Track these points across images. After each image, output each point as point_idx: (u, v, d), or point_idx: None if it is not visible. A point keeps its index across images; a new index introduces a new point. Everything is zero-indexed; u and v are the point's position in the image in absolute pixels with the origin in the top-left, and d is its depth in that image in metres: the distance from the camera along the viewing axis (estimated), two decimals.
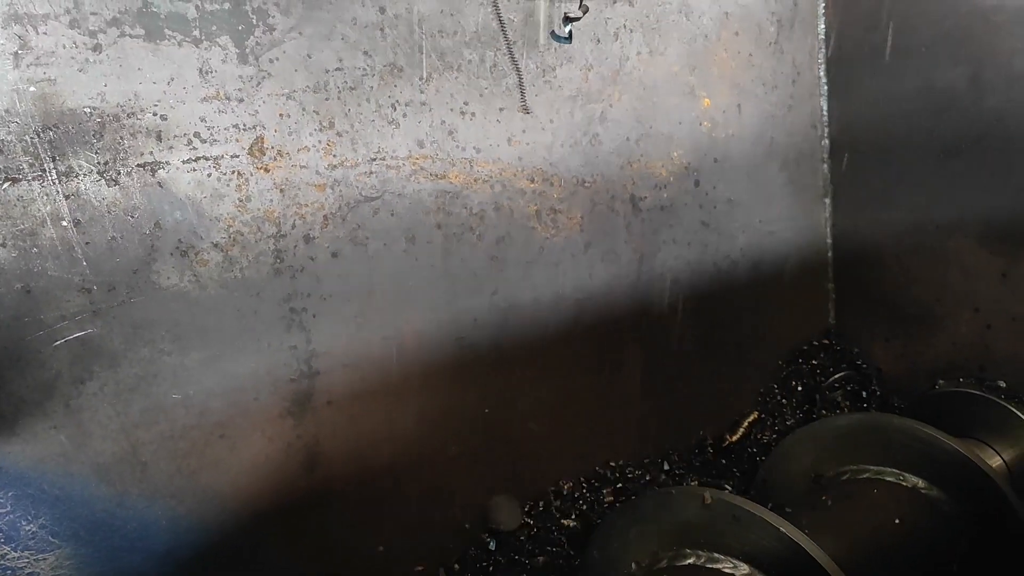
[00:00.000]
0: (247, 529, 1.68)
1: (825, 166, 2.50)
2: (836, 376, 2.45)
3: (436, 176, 1.84)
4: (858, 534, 1.88)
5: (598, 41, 2.02)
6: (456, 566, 1.95)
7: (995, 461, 2.17)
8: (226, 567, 1.66)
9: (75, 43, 1.43)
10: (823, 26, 2.42)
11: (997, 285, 2.18)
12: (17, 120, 1.39)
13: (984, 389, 2.23)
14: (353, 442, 1.80)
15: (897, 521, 1.93)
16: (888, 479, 2.00)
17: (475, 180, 1.89)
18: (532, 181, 1.97)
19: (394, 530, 1.87)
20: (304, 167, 1.68)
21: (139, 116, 1.50)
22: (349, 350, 1.77)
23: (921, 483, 1.99)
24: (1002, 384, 2.21)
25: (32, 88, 1.40)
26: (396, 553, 1.86)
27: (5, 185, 1.39)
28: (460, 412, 1.94)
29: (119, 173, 1.49)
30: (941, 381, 2.34)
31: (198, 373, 1.60)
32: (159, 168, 1.53)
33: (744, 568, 1.70)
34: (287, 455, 1.72)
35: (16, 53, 1.38)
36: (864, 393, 2.45)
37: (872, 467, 2.03)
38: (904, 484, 1.99)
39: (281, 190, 1.66)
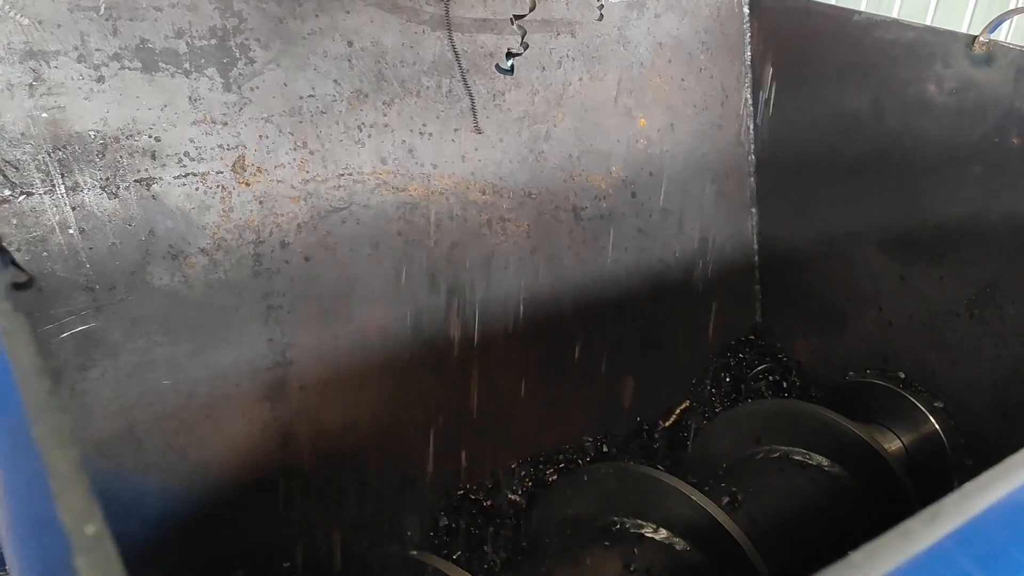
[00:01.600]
0: (229, 498, 1.91)
1: (752, 179, 2.77)
2: (759, 368, 2.73)
3: (398, 189, 2.08)
4: (766, 502, 2.15)
5: (543, 68, 2.27)
6: (409, 534, 2.19)
7: (894, 444, 2.45)
8: (210, 531, 1.89)
9: (82, 75, 1.66)
10: (749, 54, 2.69)
11: (896, 287, 2.46)
12: (31, 142, 1.61)
13: (887, 379, 2.52)
14: (323, 424, 2.04)
15: (800, 494, 2.21)
16: (796, 458, 2.27)
17: (432, 193, 2.13)
18: (484, 193, 2.22)
19: (356, 503, 2.11)
20: (280, 182, 1.91)
21: (136, 138, 1.73)
22: (319, 342, 2.00)
23: (825, 461, 2.26)
24: (902, 375, 2.50)
25: (44, 115, 1.62)
26: (357, 523, 2.10)
27: (21, 198, 1.61)
28: (418, 399, 2.18)
29: (119, 187, 1.72)
30: (851, 372, 2.62)
31: (187, 362, 1.83)
32: (153, 183, 1.76)
33: (663, 532, 1.96)
34: (264, 434, 1.95)
35: (31, 84, 1.60)
36: (785, 383, 2.73)
37: (782, 447, 2.31)
38: (810, 462, 2.26)
39: (260, 202, 1.89)
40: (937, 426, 2.40)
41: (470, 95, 2.15)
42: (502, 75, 2.14)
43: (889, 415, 2.50)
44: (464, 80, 2.13)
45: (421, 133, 2.10)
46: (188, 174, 1.80)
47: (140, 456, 1.79)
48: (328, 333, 2.01)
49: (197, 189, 1.81)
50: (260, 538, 1.96)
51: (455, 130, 2.15)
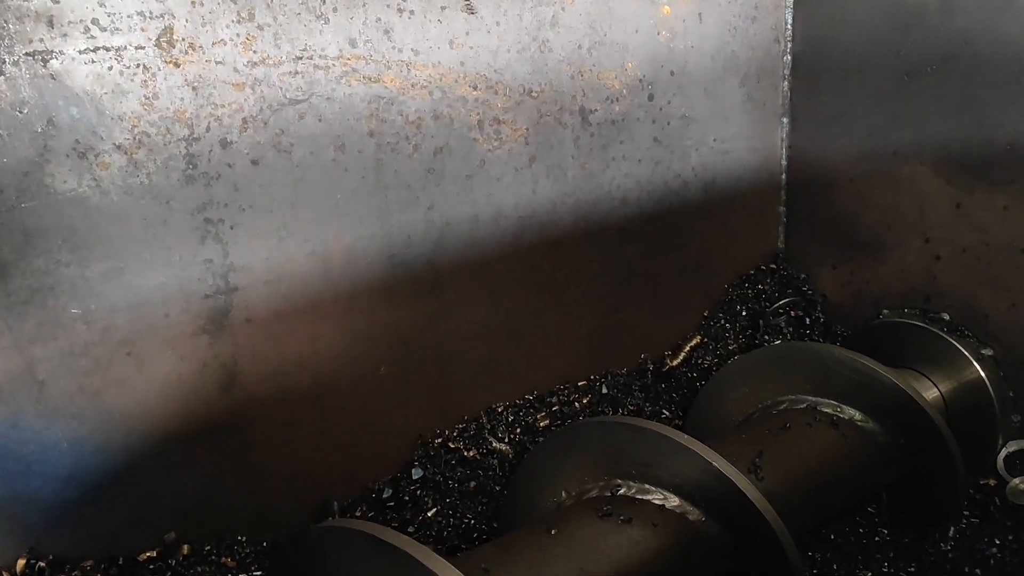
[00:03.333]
0: (158, 452, 1.59)
1: (785, 83, 2.39)
2: (781, 302, 2.41)
3: (369, 79, 1.69)
4: (792, 464, 1.85)
5: None
6: (383, 489, 1.88)
7: (932, 393, 2.16)
8: (136, 491, 1.57)
9: None
10: None
11: (950, 215, 2.13)
12: None
13: (927, 321, 2.21)
14: (274, 362, 1.70)
15: (826, 450, 1.92)
16: (825, 410, 1.97)
17: (412, 85, 1.74)
18: (475, 88, 1.83)
19: (318, 452, 1.79)
20: (220, 63, 1.52)
21: None
22: (271, 265, 1.65)
23: (857, 415, 1.96)
24: (945, 317, 2.19)
25: None
26: (319, 475, 1.79)
27: None
28: (390, 332, 1.84)
29: (4, 62, 1.32)
30: (886, 311, 2.31)
31: (100, 286, 1.47)
32: (51, 58, 1.36)
33: (674, 500, 1.66)
34: (202, 375, 1.61)
35: None
36: (808, 320, 2.41)
37: (809, 398, 2.00)
38: (840, 416, 1.96)
39: (194, 88, 1.50)
40: (984, 376, 2.11)
41: None
42: None
43: (927, 361, 2.20)
44: None
45: (400, 10, 1.69)
46: (98, 48, 1.40)
47: (43, 401, 1.45)
48: (281, 254, 1.65)
49: (111, 69, 1.41)
50: (196, 497, 1.65)
51: (442, 8, 1.75)
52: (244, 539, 1.70)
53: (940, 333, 2.16)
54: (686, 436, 1.64)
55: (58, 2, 1.35)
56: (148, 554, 1.58)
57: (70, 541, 1.53)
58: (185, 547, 1.62)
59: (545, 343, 2.10)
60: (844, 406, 1.98)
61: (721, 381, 2.15)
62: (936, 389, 2.17)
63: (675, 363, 2.28)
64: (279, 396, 1.72)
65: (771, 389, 2.06)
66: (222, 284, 1.60)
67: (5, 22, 1.31)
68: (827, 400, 1.99)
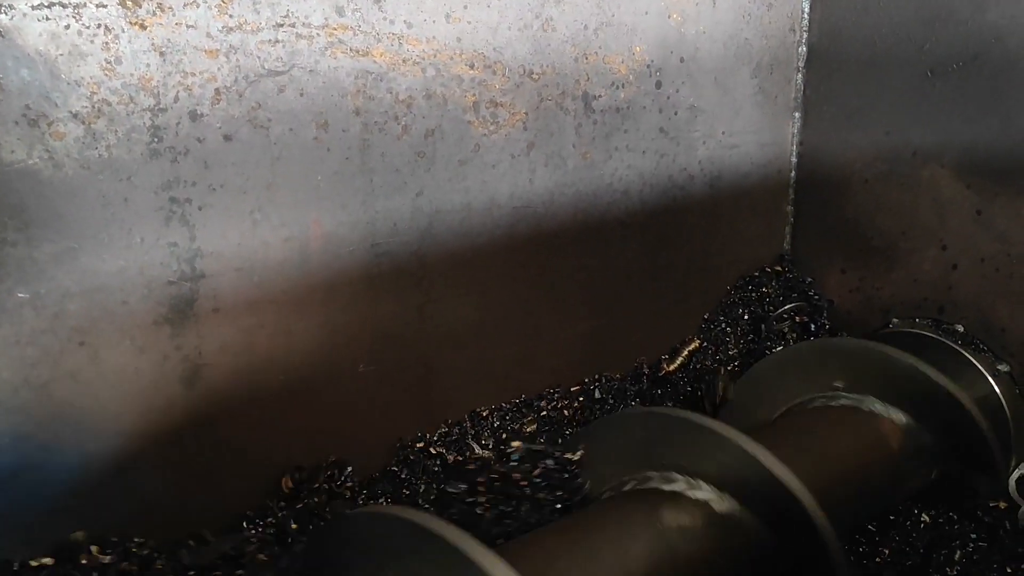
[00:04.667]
0: (112, 450, 1.45)
1: (799, 76, 2.26)
2: (786, 307, 2.28)
3: (357, 52, 1.55)
4: (832, 462, 1.74)
5: None
6: (360, 491, 1.76)
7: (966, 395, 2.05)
8: (86, 496, 1.44)
9: None
10: None
11: (970, 222, 2.00)
12: None
13: (940, 332, 2.09)
14: (244, 355, 1.57)
15: (869, 448, 1.80)
16: (866, 407, 1.85)
17: (404, 61, 1.60)
18: (472, 67, 1.69)
19: (289, 454, 1.66)
20: (192, 27, 1.38)
21: None
22: (242, 251, 1.51)
23: (900, 414, 1.84)
24: (960, 328, 2.07)
25: None
26: (284, 484, 1.66)
27: None
28: (371, 327, 1.71)
29: None
30: (896, 320, 2.19)
31: (51, 268, 1.33)
32: None
33: (716, 494, 1.52)
34: (162, 368, 1.48)
35: None
36: (813, 326, 2.29)
37: (850, 395, 1.87)
38: (883, 413, 1.84)
39: (161, 53, 1.36)
40: (999, 392, 1.99)
41: None
42: None
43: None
44: None
45: None
46: (53, 4, 1.26)
47: None
48: (254, 239, 1.52)
49: (67, 27, 1.27)
50: (153, 500, 1.51)
51: None
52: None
53: (952, 345, 2.05)
54: (730, 428, 1.51)
55: None
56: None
57: (14, 543, 1.39)
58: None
59: (536, 343, 1.98)
60: (888, 404, 1.85)
61: (756, 376, 2.02)
62: None
63: (672, 368, 2.16)
64: (247, 393, 1.58)
65: (808, 385, 1.93)
66: (188, 270, 1.46)
67: None
68: (868, 397, 1.87)
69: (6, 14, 1.22)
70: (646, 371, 2.15)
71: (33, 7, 1.24)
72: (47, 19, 1.26)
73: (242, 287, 1.53)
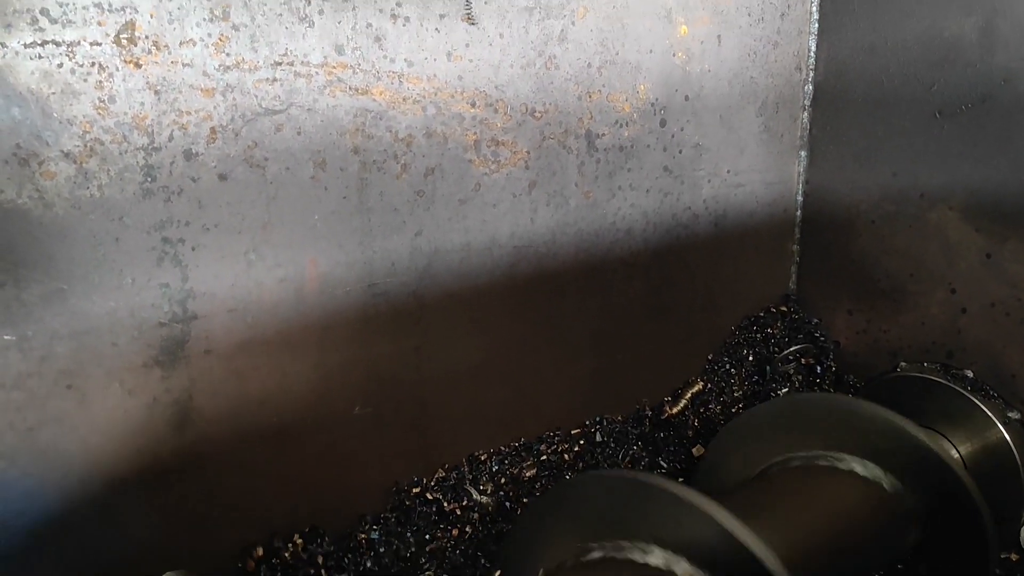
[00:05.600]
0: (99, 496, 1.41)
1: (805, 115, 2.24)
2: (792, 349, 2.24)
3: (356, 90, 1.52)
4: (811, 525, 1.68)
5: None
6: (357, 535, 1.71)
7: (952, 455, 2.00)
8: (72, 541, 1.39)
9: None
10: None
11: (979, 266, 1.97)
12: None
13: (949, 377, 2.05)
14: (236, 398, 1.53)
15: (849, 512, 1.75)
16: (846, 467, 1.80)
17: (404, 99, 1.58)
18: (473, 105, 1.67)
19: (281, 499, 1.62)
20: (188, 65, 1.35)
21: None
22: (236, 292, 1.48)
23: (883, 474, 1.79)
24: (969, 374, 2.03)
25: None
26: (281, 524, 1.61)
27: None
28: (367, 368, 1.67)
29: None
30: (904, 363, 2.15)
31: (39, 310, 1.30)
32: None
33: (685, 566, 1.48)
34: (151, 411, 1.44)
35: None
36: (819, 368, 2.25)
37: (830, 453, 1.83)
38: (864, 474, 1.79)
39: (156, 92, 1.33)
40: (1009, 440, 1.94)
41: None
42: None
43: (947, 420, 2.03)
44: None
45: (394, 16, 1.53)
46: (47, 42, 1.24)
47: None
48: (249, 280, 1.49)
49: (61, 66, 1.25)
50: (143, 549, 1.47)
51: (440, 16, 1.59)
52: None
53: (962, 391, 2.00)
54: (696, 493, 1.46)
55: None
56: None
57: None
58: None
59: (536, 385, 1.94)
60: (869, 463, 1.80)
61: (734, 431, 1.97)
62: (956, 451, 2.01)
63: (675, 410, 2.12)
64: (239, 436, 1.54)
65: (788, 442, 1.88)
66: (179, 311, 1.43)
67: None
68: (850, 456, 1.82)
69: None
70: (648, 413, 2.11)
71: (26, 45, 1.22)
72: (40, 57, 1.23)
73: (235, 328, 1.49)
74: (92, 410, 1.38)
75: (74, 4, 1.24)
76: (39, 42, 1.23)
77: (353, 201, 1.57)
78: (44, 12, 1.22)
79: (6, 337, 1.29)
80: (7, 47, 1.21)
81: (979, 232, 1.96)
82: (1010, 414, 1.96)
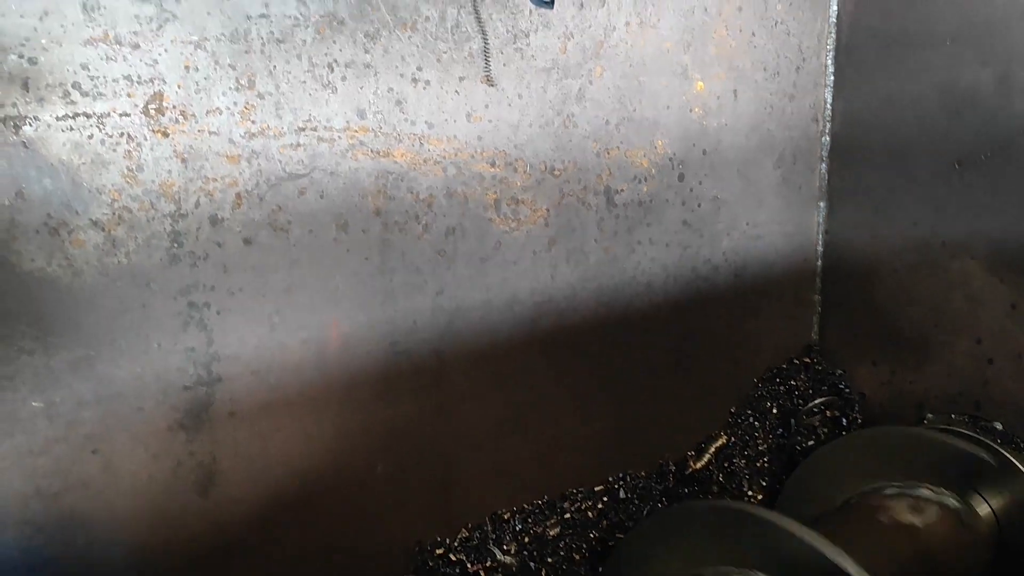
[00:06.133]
0: (124, 561, 1.41)
1: (823, 166, 2.25)
2: (816, 401, 2.22)
3: (378, 153, 1.55)
4: (895, 550, 1.67)
5: (581, 6, 1.73)
6: None
7: (982, 508, 1.96)
8: None
9: None
10: (835, 8, 2.15)
11: (1004, 317, 1.95)
12: None
13: (978, 429, 2.02)
14: (259, 460, 1.53)
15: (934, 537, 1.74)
16: (924, 495, 1.78)
17: (425, 160, 1.60)
18: (493, 165, 1.69)
19: (305, 559, 1.61)
20: (214, 133, 1.38)
21: (1, 57, 1.19)
22: (260, 354, 1.49)
23: (958, 500, 1.78)
24: (998, 426, 2.00)
25: None
26: None
27: None
28: (389, 427, 1.67)
29: None
30: (930, 415, 2.12)
31: (67, 377, 1.32)
32: (24, 124, 1.23)
33: None
34: (176, 475, 1.44)
35: None
36: (844, 420, 2.23)
37: (909, 483, 1.82)
38: (940, 501, 1.78)
39: (183, 160, 1.36)
40: None
41: (483, 33, 1.61)
42: (535, 7, 1.59)
43: (977, 474, 2.00)
44: (476, 12, 1.59)
45: (415, 80, 1.56)
46: (78, 115, 1.27)
47: None
48: (272, 342, 1.50)
49: (91, 137, 1.28)
50: None
51: (460, 79, 1.61)
52: None
53: (991, 443, 1.97)
54: (797, 523, 1.48)
55: (35, 63, 1.22)
56: None
57: None
58: None
59: (559, 441, 1.93)
60: (944, 491, 1.79)
61: (811, 467, 1.97)
62: (987, 504, 1.97)
63: (698, 465, 2.10)
64: (263, 498, 1.54)
65: (866, 475, 1.88)
66: (204, 374, 1.44)
67: None
68: (928, 485, 1.81)
69: (31, 126, 1.23)
70: (672, 469, 2.09)
71: (58, 118, 1.25)
72: (71, 129, 1.27)
73: (259, 390, 1.50)
74: (117, 474, 1.39)
75: (104, 77, 1.28)
76: (71, 115, 1.26)
77: (375, 262, 1.58)
78: (76, 85, 1.26)
79: (34, 404, 1.30)
80: (40, 120, 1.24)
81: (1004, 283, 1.95)
82: None
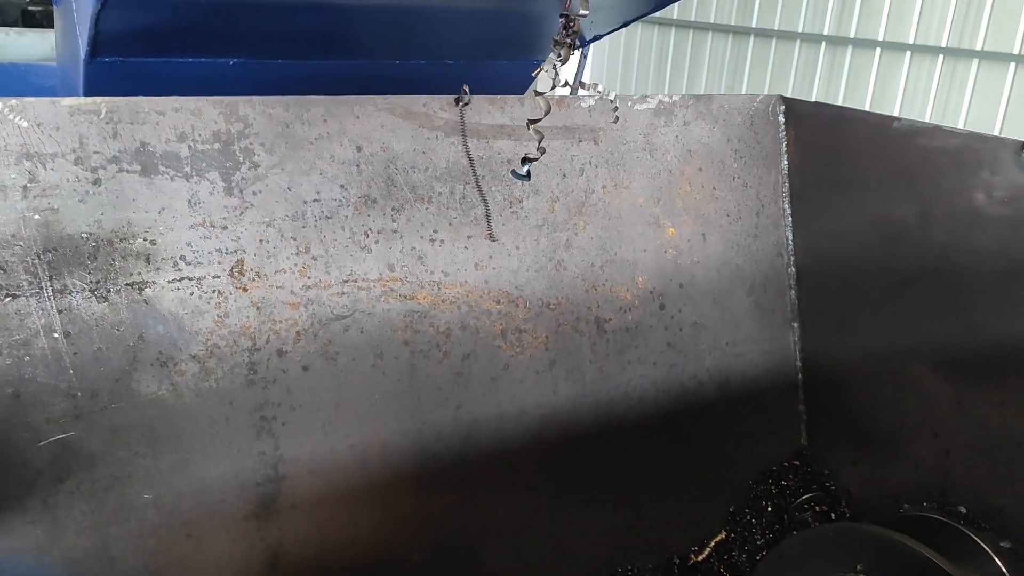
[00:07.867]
0: None
1: (792, 292, 2.62)
2: (805, 497, 2.50)
3: (405, 297, 1.99)
4: None
5: (564, 175, 2.20)
6: None
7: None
8: None
9: (78, 177, 1.63)
10: (786, 163, 2.58)
11: (953, 411, 2.24)
12: (21, 243, 1.58)
13: (946, 514, 2.27)
14: (316, 545, 1.90)
15: None
16: None
17: (442, 301, 2.04)
18: (498, 303, 2.12)
19: None
20: (280, 287, 1.84)
21: (131, 241, 1.69)
22: (315, 457, 1.89)
23: None
24: (962, 510, 2.25)
25: (36, 216, 1.60)
26: None
27: (5, 300, 1.57)
28: (422, 520, 2.03)
29: (109, 291, 1.67)
30: (906, 505, 2.38)
31: (169, 475, 1.73)
32: (146, 287, 1.70)
33: None
34: (250, 556, 1.82)
35: (25, 186, 1.58)
36: (833, 515, 2.49)
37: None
38: None
39: (258, 308, 1.82)
40: (1004, 569, 2.13)
41: (484, 201, 2.08)
42: (519, 181, 2.07)
43: (950, 554, 2.22)
44: (479, 186, 2.07)
45: (432, 240, 2.02)
46: (183, 278, 1.74)
47: None
48: (325, 448, 1.90)
49: (192, 294, 1.75)
50: None
51: (468, 237, 2.07)
52: None
53: (958, 526, 2.22)
54: None
55: (155, 244, 1.71)
56: None
57: None
58: None
59: (570, 536, 2.25)
60: None
61: (782, 555, 2.21)
62: None
63: (700, 559, 2.37)
64: None
65: (832, 567, 2.12)
66: (272, 473, 1.84)
67: (112, 260, 1.67)
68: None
69: (150, 288, 1.71)
70: (676, 562, 2.37)
71: (169, 281, 1.73)
72: (178, 288, 1.74)
73: (315, 487, 1.89)
74: (205, 554, 1.77)
75: (202, 250, 1.76)
76: (178, 278, 1.74)
77: (405, 383, 1.99)
78: (183, 258, 1.74)
79: (146, 496, 1.71)
80: (156, 283, 1.72)
81: (948, 382, 2.25)
82: (1002, 543, 2.15)
